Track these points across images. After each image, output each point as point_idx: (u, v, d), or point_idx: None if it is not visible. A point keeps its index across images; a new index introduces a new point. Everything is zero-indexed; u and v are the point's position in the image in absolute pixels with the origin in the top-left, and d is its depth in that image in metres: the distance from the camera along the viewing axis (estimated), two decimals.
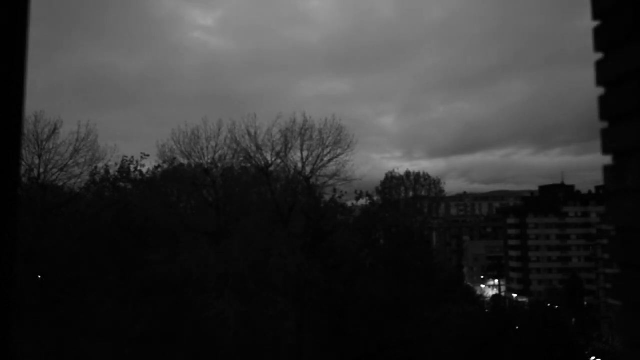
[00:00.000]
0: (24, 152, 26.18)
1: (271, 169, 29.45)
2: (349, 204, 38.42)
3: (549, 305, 44.43)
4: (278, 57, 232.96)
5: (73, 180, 29.62)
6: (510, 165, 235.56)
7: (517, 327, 28.41)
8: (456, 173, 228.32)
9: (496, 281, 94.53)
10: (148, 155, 30.39)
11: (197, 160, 29.24)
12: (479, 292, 70.96)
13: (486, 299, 66.10)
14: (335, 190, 31.86)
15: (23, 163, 26.41)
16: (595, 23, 1.68)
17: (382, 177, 47.87)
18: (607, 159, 1.64)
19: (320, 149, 29.02)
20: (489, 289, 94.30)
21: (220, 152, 29.43)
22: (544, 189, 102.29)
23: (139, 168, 30.41)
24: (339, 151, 29.06)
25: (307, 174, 29.43)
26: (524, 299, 71.41)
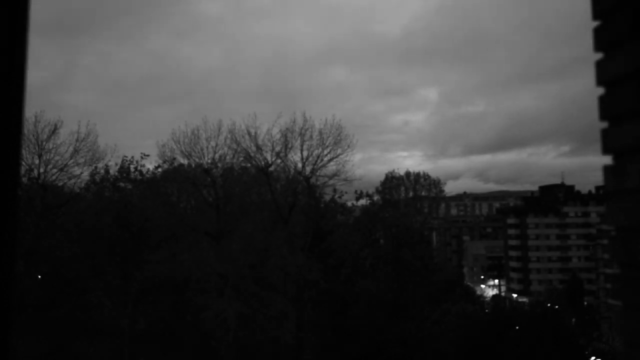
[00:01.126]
0: (24, 152, 26.17)
1: (271, 169, 29.45)
2: (349, 204, 38.44)
3: (549, 305, 44.37)
4: (345, 49, 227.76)
5: (73, 180, 29.64)
6: (533, 165, 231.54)
7: (517, 327, 28.39)
8: (473, 172, 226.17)
9: (496, 281, 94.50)
10: (148, 155, 30.40)
11: (197, 160, 29.24)
12: (479, 292, 70.89)
13: (486, 299, 66.04)
14: (335, 190, 31.89)
15: (23, 163, 26.41)
16: (595, 23, 1.69)
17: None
18: (607, 159, 1.64)
19: (320, 149, 29.04)
20: (489, 289, 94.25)
21: (220, 152, 29.45)
22: (544, 189, 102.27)
23: (139, 168, 30.39)
24: (339, 151, 29.08)
25: (307, 174, 29.43)
26: (524, 299, 71.36)
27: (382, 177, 47.68)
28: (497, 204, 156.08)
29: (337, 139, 29.05)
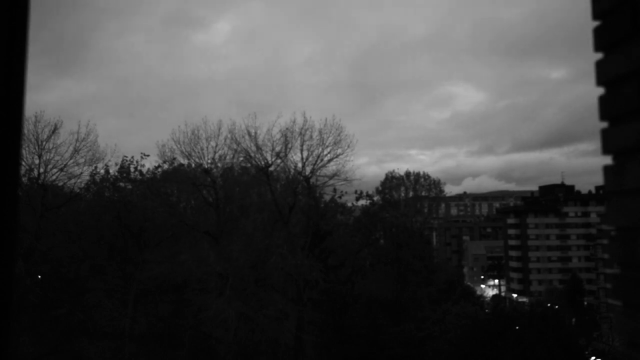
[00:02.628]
0: (24, 152, 26.16)
1: (271, 169, 29.43)
2: (349, 204, 38.43)
3: (549, 305, 44.36)
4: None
5: (73, 180, 29.60)
6: (561, 163, 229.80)
7: (517, 327, 28.39)
8: (497, 171, 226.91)
9: (496, 281, 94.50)
10: (148, 155, 30.37)
11: (197, 160, 29.21)
12: (479, 292, 70.92)
13: (486, 299, 66.05)
14: (335, 190, 31.87)
15: (23, 163, 26.39)
16: (595, 23, 1.69)
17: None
18: (607, 159, 1.64)
19: (320, 149, 29.01)
20: (489, 289, 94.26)
21: (220, 152, 29.41)
22: (544, 189, 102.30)
23: (139, 168, 30.38)
24: (338, 151, 29.05)
25: (307, 174, 29.41)
26: (524, 299, 71.34)
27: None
28: (497, 204, 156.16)
29: (337, 139, 29.05)
